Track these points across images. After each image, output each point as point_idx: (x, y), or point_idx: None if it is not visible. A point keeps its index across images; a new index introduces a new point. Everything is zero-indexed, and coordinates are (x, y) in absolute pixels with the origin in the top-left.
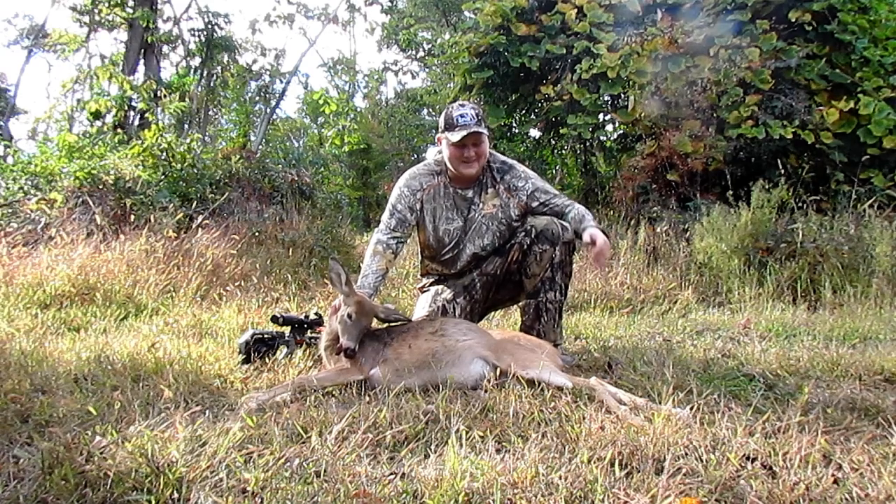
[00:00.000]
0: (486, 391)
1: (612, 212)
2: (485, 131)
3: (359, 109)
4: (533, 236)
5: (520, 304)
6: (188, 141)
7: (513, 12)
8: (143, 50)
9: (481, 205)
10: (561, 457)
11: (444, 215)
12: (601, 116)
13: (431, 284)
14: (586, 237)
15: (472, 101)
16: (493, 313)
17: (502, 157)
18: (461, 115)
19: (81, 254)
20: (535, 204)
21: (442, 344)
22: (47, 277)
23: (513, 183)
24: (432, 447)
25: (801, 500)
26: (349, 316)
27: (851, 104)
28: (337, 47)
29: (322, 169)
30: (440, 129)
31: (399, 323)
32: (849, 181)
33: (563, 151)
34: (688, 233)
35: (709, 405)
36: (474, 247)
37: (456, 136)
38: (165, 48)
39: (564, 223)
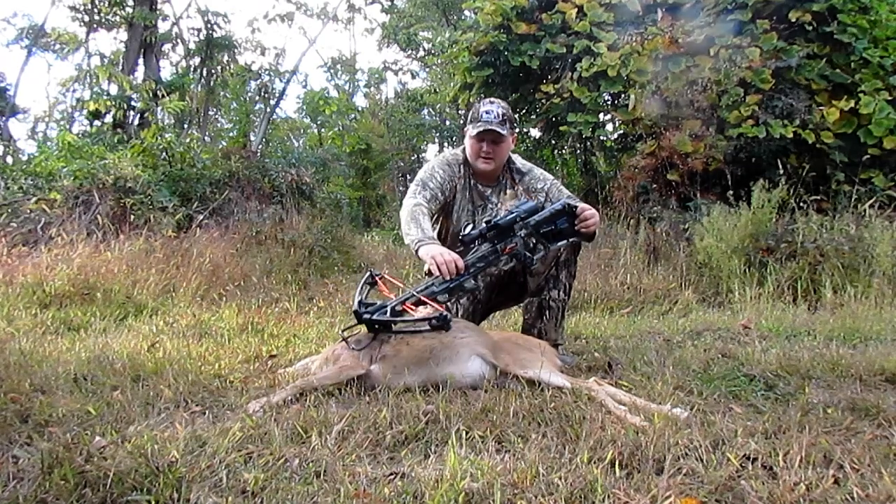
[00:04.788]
0: (485, 391)
1: (612, 212)
2: (505, 132)
3: (359, 109)
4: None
5: (523, 302)
6: (188, 141)
7: (513, 11)
8: (142, 49)
9: (499, 204)
10: (561, 457)
11: (465, 207)
12: (601, 115)
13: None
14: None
15: (498, 101)
16: (493, 314)
17: (523, 161)
18: (487, 112)
19: (81, 254)
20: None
21: (439, 341)
22: (47, 277)
23: (532, 185)
24: (432, 447)
25: (801, 500)
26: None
27: (852, 104)
28: (337, 47)
29: (322, 169)
30: (468, 122)
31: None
32: (849, 181)
33: (564, 151)
34: (688, 233)
35: (709, 405)
36: None
37: (474, 130)
38: (165, 48)
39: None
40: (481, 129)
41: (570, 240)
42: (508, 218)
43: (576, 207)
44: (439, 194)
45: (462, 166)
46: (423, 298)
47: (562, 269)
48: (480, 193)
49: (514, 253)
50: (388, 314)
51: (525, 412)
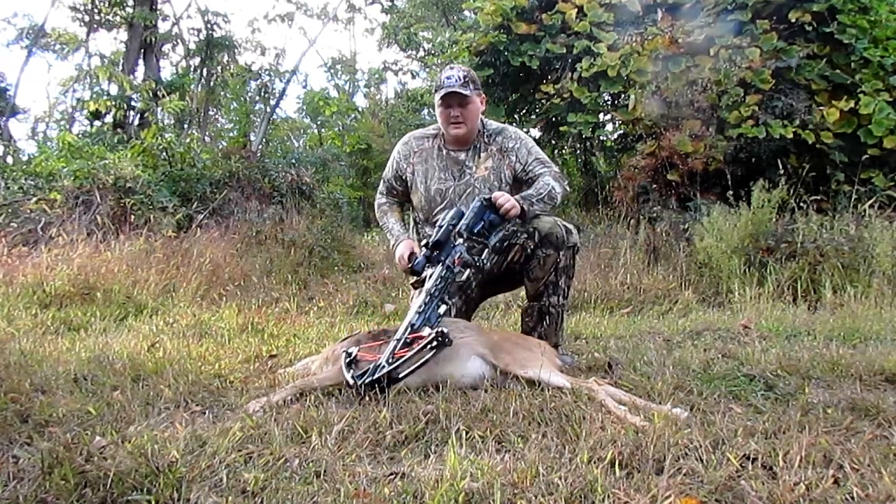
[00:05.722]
0: (485, 391)
1: (612, 212)
2: (468, 92)
3: (359, 109)
4: (536, 240)
5: (522, 307)
6: (188, 141)
7: (513, 11)
8: (142, 49)
9: (475, 168)
10: (561, 457)
11: (436, 175)
12: (601, 115)
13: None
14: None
15: (459, 65)
16: (492, 314)
17: (496, 123)
18: (448, 77)
19: (81, 254)
20: (518, 166)
21: None
22: (47, 277)
23: (504, 144)
24: (432, 447)
25: (801, 500)
26: None
27: (852, 104)
28: (337, 47)
29: (322, 169)
30: (434, 92)
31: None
32: (849, 181)
33: (564, 151)
34: (688, 233)
35: (709, 405)
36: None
37: (438, 97)
38: (165, 48)
39: (568, 226)
40: (444, 93)
41: (507, 226)
42: (442, 231)
43: (490, 198)
44: (394, 182)
45: (431, 139)
46: (408, 338)
47: (561, 274)
48: (454, 159)
49: (464, 262)
50: (386, 365)
51: (525, 412)
